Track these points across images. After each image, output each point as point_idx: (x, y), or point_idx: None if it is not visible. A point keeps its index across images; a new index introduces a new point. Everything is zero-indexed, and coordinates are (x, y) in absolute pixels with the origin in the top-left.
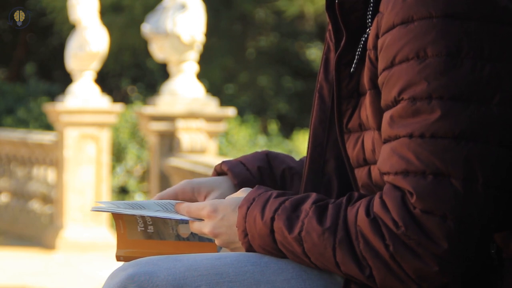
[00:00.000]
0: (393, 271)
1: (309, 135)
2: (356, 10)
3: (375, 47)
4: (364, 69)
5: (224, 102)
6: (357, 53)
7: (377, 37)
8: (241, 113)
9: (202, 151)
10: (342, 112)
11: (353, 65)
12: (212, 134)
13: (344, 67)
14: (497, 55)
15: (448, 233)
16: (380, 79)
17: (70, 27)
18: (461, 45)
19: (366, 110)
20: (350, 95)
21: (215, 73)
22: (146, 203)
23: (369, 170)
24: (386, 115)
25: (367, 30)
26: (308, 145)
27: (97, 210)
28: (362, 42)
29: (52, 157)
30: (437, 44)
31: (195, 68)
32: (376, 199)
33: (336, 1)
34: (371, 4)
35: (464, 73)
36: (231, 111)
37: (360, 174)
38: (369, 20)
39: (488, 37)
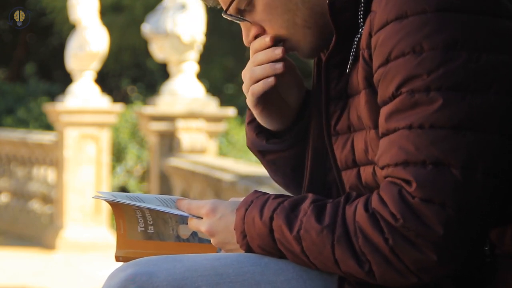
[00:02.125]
0: (392, 264)
1: (309, 145)
2: (347, 10)
3: (368, 46)
4: (355, 70)
5: (224, 102)
6: (351, 53)
7: (370, 36)
8: (241, 113)
9: (202, 151)
10: (330, 113)
11: (348, 66)
12: (212, 134)
13: (333, 68)
14: (492, 46)
15: (447, 221)
16: (375, 77)
17: (70, 27)
18: (457, 37)
19: (357, 111)
20: (339, 96)
21: (215, 73)
22: (147, 197)
23: (358, 171)
24: (384, 110)
25: (360, 30)
26: (308, 155)
27: (97, 198)
28: (355, 42)
29: (52, 157)
30: (432, 37)
31: (195, 68)
32: (374, 196)
33: (327, 1)
34: (362, 4)
35: (461, 63)
36: (231, 111)
37: (348, 176)
38: (361, 19)
39: (482, 28)
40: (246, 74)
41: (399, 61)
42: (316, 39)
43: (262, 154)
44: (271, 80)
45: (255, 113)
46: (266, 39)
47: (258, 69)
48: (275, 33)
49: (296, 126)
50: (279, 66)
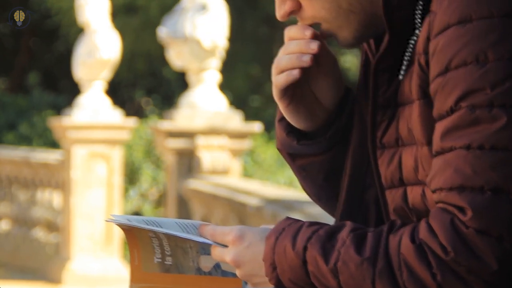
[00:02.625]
0: None
1: (349, 157)
2: (403, 7)
3: (425, 51)
4: (408, 76)
5: (250, 116)
6: (405, 57)
7: (428, 39)
8: (268, 128)
9: (224, 171)
10: (377, 123)
11: (402, 71)
12: (235, 153)
13: (383, 73)
14: None
15: (502, 256)
16: (432, 87)
17: (78, 31)
18: None
19: (407, 123)
20: (387, 105)
21: (239, 83)
22: (166, 221)
23: (405, 191)
24: (440, 125)
25: (416, 31)
26: (346, 169)
27: (110, 221)
28: (411, 45)
29: (58, 178)
30: (499, 46)
31: (217, 77)
32: (422, 224)
33: None
34: (421, 2)
35: None
36: (257, 126)
37: (393, 196)
38: (418, 20)
39: None
40: (275, 63)
41: (460, 71)
42: (361, 26)
43: (292, 158)
44: (295, 73)
45: (281, 107)
46: (306, 33)
47: (285, 59)
48: (314, 13)
49: (331, 128)
50: (306, 59)
